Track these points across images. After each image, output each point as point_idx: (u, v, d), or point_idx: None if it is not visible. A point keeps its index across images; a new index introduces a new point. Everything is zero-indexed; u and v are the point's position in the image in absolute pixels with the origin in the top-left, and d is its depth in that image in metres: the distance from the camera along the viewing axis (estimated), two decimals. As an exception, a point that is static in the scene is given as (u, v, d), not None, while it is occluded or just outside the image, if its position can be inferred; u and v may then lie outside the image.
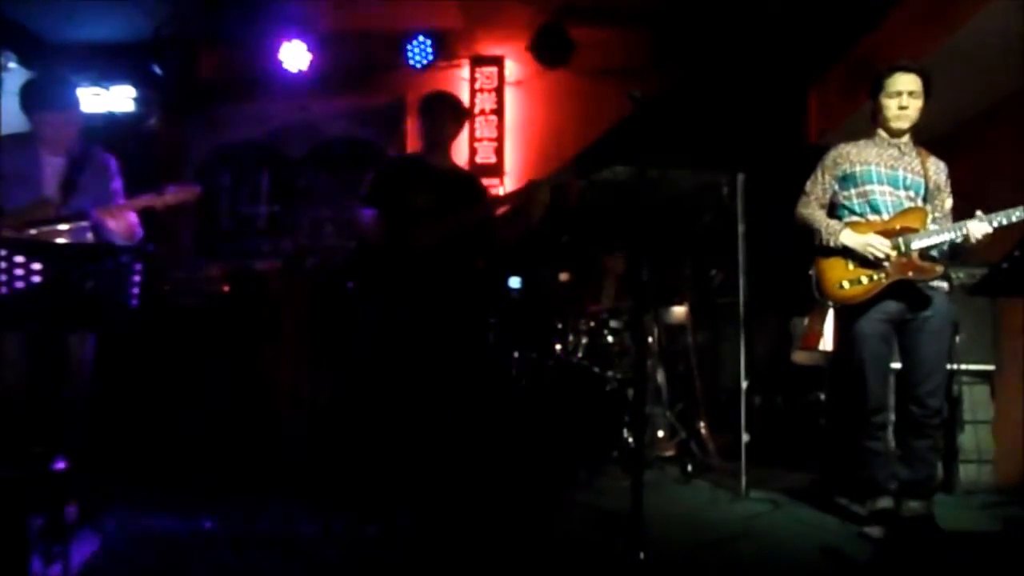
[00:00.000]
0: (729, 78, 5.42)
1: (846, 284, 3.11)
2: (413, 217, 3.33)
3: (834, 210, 3.26)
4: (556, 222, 4.58)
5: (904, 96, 3.11)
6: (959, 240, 3.00)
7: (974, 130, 4.55)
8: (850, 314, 3.14)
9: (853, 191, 3.20)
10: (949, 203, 3.21)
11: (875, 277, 3.06)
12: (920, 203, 3.15)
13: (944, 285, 3.13)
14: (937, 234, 3.03)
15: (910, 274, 3.03)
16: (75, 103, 3.37)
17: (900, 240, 3.04)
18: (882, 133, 3.23)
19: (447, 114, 3.57)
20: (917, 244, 3.03)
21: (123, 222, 3.13)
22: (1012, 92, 4.22)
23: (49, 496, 2.53)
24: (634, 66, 5.65)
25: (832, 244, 3.14)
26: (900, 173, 3.17)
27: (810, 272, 3.23)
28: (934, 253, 3.08)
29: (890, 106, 3.14)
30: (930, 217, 3.10)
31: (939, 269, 3.04)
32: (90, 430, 3.18)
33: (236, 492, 3.72)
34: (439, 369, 3.38)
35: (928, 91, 3.14)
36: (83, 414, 3.15)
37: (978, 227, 2.94)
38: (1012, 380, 3.96)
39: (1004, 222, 2.92)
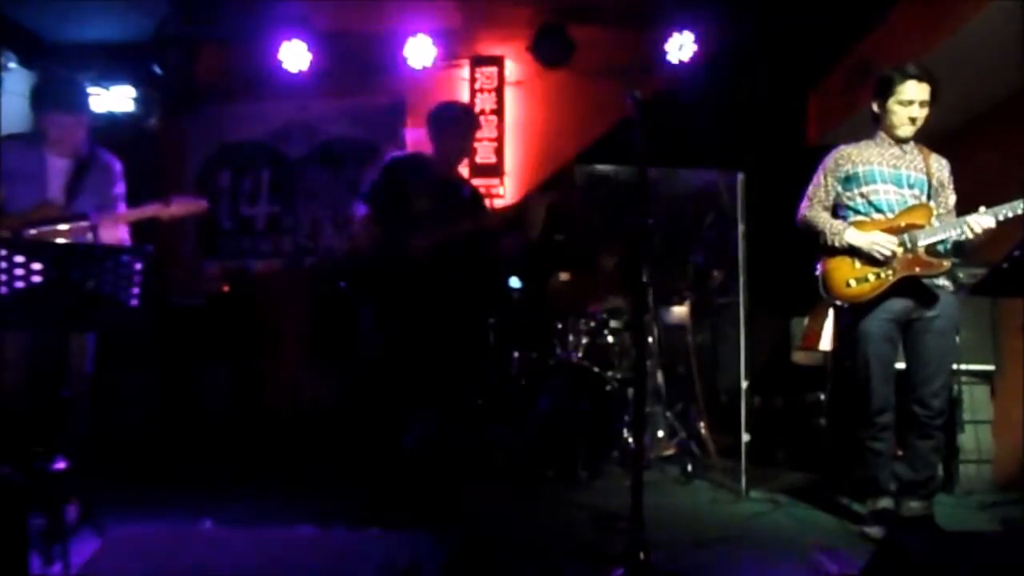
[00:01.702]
0: (729, 78, 5.42)
1: (853, 282, 3.10)
2: (411, 220, 3.32)
3: (838, 211, 3.26)
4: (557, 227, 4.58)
5: (915, 106, 3.10)
6: (963, 235, 2.98)
7: (974, 130, 4.55)
8: (855, 313, 3.14)
9: (856, 191, 3.19)
10: (952, 200, 3.20)
11: (882, 274, 3.06)
12: (924, 200, 3.15)
13: (950, 284, 3.13)
14: (943, 230, 3.02)
15: (917, 270, 3.03)
16: (85, 106, 3.38)
17: (906, 237, 3.04)
18: (884, 135, 3.23)
19: (461, 132, 3.53)
20: (923, 240, 3.03)
21: (112, 235, 3.14)
22: (1012, 93, 4.22)
23: (49, 496, 2.53)
24: (634, 66, 5.64)
25: (837, 244, 3.13)
26: (903, 172, 3.16)
27: (816, 273, 3.23)
28: (940, 249, 3.08)
29: (900, 113, 3.12)
30: (935, 213, 3.10)
31: (946, 264, 3.03)
32: (90, 430, 3.18)
33: (236, 492, 3.72)
34: (437, 370, 3.38)
35: (935, 98, 3.13)
36: (83, 414, 3.15)
37: (979, 220, 2.93)
38: (1012, 380, 3.96)
39: (1009, 214, 2.90)
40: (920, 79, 3.08)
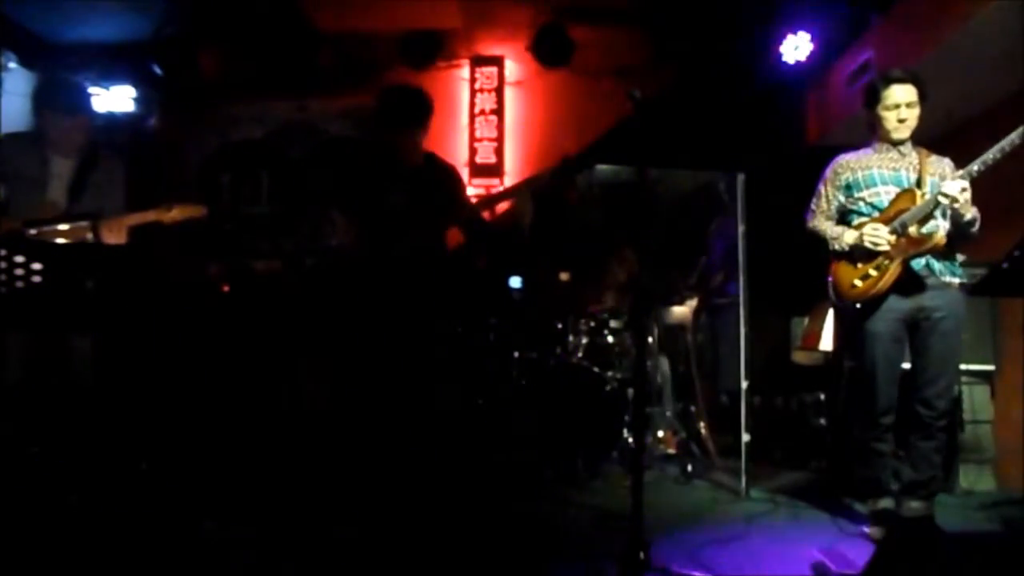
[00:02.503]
0: (729, 78, 5.42)
1: (857, 282, 3.12)
2: (388, 221, 3.29)
3: (845, 219, 3.28)
4: (557, 222, 4.55)
5: (902, 108, 3.13)
6: (942, 203, 2.96)
7: (976, 129, 4.54)
8: (863, 314, 3.14)
9: (858, 196, 3.21)
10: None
11: (881, 266, 3.07)
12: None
13: (955, 281, 3.13)
14: (926, 205, 3.02)
15: (912, 251, 3.03)
16: (86, 108, 3.40)
17: (896, 223, 3.05)
18: (881, 141, 3.24)
19: (409, 122, 3.31)
20: (911, 219, 3.02)
21: (113, 237, 3.15)
22: (1012, 93, 4.22)
23: (50, 496, 2.53)
24: (634, 66, 5.65)
25: (840, 247, 3.17)
26: (902, 173, 3.18)
27: (828, 281, 3.25)
28: (933, 228, 3.07)
29: (889, 119, 3.15)
30: (920, 193, 3.09)
31: (939, 237, 3.01)
32: (90, 431, 3.18)
33: (236, 492, 3.72)
34: (433, 369, 3.38)
35: (924, 97, 3.15)
36: (83, 414, 3.15)
37: (951, 186, 2.92)
38: (1012, 380, 3.96)
39: (981, 167, 2.88)
40: (903, 81, 3.12)
